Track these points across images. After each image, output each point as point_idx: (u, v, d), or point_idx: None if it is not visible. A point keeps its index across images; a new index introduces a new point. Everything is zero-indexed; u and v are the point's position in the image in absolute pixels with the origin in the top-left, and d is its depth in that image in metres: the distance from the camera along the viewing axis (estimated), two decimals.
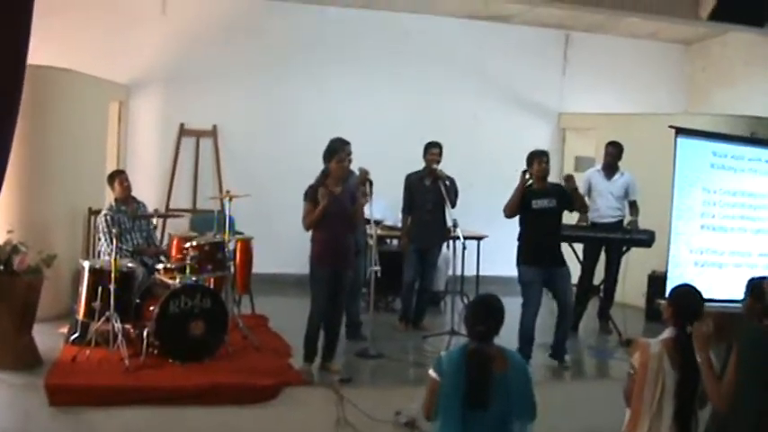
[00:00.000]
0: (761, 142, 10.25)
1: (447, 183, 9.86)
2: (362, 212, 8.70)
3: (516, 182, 8.86)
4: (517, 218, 8.94)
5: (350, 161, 8.48)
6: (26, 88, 7.41)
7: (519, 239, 8.95)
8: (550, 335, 9.02)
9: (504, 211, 8.93)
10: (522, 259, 8.87)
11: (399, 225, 10.85)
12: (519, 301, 8.66)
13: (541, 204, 8.76)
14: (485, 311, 5.00)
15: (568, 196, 8.92)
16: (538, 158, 8.84)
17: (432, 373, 5.01)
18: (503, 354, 4.96)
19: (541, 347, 9.12)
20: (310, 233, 8.26)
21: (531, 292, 8.77)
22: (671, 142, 9.33)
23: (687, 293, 5.43)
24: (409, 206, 10.24)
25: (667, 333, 5.22)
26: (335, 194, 8.15)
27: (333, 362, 8.40)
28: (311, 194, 8.15)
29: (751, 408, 4.76)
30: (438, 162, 10.04)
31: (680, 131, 9.41)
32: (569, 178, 9.02)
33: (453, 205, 9.81)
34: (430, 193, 10.03)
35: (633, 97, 14.01)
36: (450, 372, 4.89)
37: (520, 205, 8.79)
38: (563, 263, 8.95)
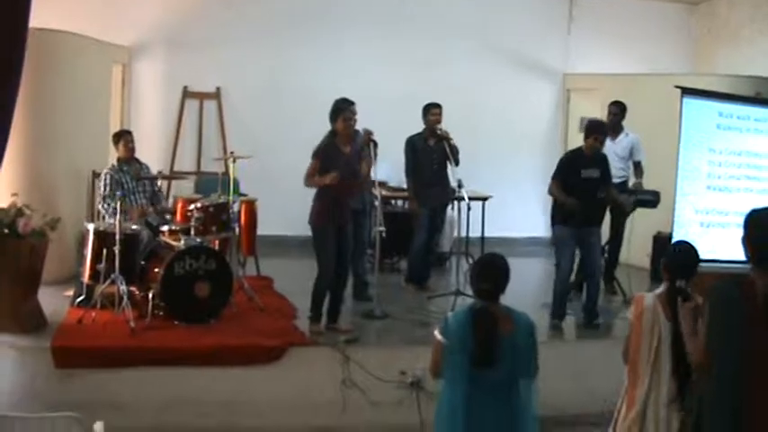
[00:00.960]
0: (767, 102, 10.19)
1: (452, 141, 9.80)
2: (369, 173, 8.73)
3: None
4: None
5: (355, 121, 8.45)
6: (29, 52, 7.37)
7: (555, 201, 9.03)
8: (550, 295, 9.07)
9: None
10: (557, 219, 8.97)
11: (404, 186, 10.79)
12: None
13: (589, 174, 8.79)
14: (490, 270, 4.98)
15: (608, 165, 9.03)
16: (594, 135, 8.80)
17: (437, 334, 5.01)
18: (509, 314, 4.95)
19: (546, 307, 9.15)
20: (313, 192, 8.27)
21: (563, 252, 8.92)
22: (676, 103, 9.29)
23: (679, 249, 5.48)
24: (413, 168, 10.19)
25: (662, 287, 5.25)
26: (345, 156, 8.19)
27: (339, 322, 8.42)
28: (320, 153, 8.17)
29: (727, 372, 4.32)
30: (439, 122, 10.00)
31: (686, 91, 9.36)
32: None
33: (458, 164, 9.78)
34: (434, 153, 9.99)
35: (638, 58, 13.91)
36: (456, 332, 4.89)
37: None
38: (597, 223, 9.04)
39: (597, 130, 8.88)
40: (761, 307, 4.23)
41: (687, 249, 5.43)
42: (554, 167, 8.96)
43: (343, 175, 8.06)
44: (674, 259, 5.34)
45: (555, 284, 9.03)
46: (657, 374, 5.15)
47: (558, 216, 8.95)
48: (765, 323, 4.22)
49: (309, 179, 8.17)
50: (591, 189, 8.78)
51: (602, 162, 8.98)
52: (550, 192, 9.00)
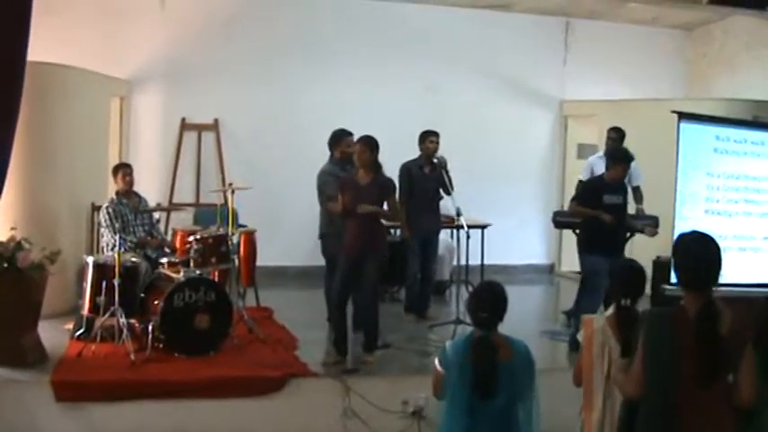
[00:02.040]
0: (763, 126, 10.21)
1: (449, 171, 9.78)
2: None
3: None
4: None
5: (358, 150, 8.42)
6: (27, 85, 7.42)
7: (584, 229, 9.18)
8: (553, 321, 9.02)
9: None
10: (589, 249, 9.00)
11: None
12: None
13: (611, 200, 8.90)
14: (488, 298, 4.99)
15: (627, 192, 9.30)
16: (621, 165, 9.01)
17: (437, 365, 5.01)
18: (507, 342, 4.96)
19: (545, 335, 9.15)
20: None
21: (599, 282, 8.76)
22: (673, 128, 9.30)
23: (625, 269, 5.43)
24: (408, 195, 10.11)
25: (612, 308, 5.23)
26: (361, 186, 8.18)
27: (371, 353, 8.39)
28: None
29: (658, 402, 4.20)
30: (436, 150, 10.00)
31: (682, 116, 9.38)
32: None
33: (452, 191, 9.73)
34: (431, 181, 10.00)
35: (635, 83, 13.95)
36: (455, 362, 4.89)
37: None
38: (622, 250, 9.15)
39: (621, 162, 9.03)
40: (692, 333, 4.09)
41: (630, 269, 5.41)
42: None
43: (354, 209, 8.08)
44: (618, 279, 5.32)
45: (581, 310, 8.75)
46: (611, 398, 5.11)
47: (589, 246, 8.98)
48: (696, 350, 4.07)
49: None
50: (614, 215, 8.83)
51: (623, 189, 9.17)
52: (572, 212, 9.05)
